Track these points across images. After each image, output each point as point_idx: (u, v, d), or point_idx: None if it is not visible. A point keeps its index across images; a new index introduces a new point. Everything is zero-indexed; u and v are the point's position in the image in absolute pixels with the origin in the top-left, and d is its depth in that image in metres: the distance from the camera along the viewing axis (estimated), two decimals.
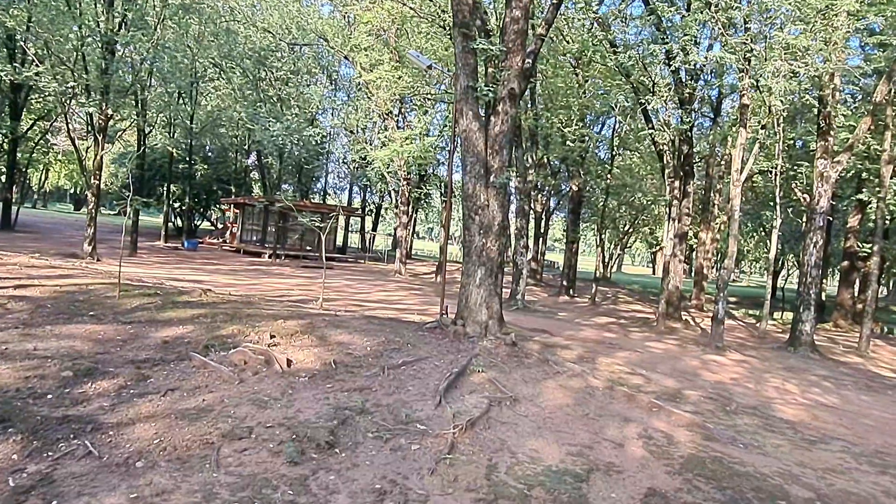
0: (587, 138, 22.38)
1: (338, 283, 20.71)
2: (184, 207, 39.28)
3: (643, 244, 64.27)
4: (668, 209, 17.04)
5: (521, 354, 8.06)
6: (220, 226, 43.83)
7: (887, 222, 21.59)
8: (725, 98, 24.67)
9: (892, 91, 15.55)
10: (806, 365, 12.47)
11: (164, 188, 35.60)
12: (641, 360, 10.67)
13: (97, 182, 19.05)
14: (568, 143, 22.42)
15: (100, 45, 17.68)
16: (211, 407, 5.13)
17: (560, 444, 5.29)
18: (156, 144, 35.82)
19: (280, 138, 29.10)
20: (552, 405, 6.39)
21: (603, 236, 30.60)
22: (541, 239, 32.67)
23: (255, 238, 36.56)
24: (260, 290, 14.81)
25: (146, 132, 27.87)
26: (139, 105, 23.24)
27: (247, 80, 31.50)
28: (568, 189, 28.48)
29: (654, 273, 59.66)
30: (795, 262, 34.43)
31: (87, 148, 21.06)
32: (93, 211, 18.64)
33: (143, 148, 26.73)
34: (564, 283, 26.58)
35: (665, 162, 16.94)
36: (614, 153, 24.09)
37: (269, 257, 30.83)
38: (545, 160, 29.77)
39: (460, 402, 6.02)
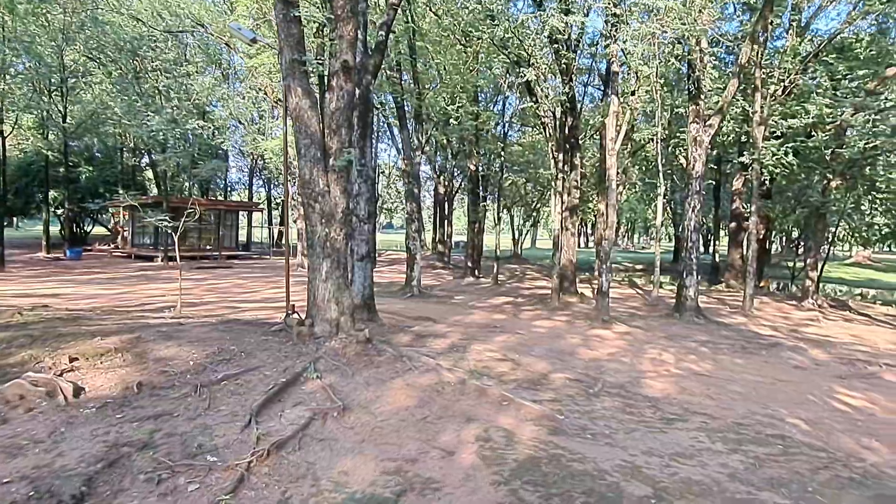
0: (479, 116, 21.84)
1: (227, 284, 19.47)
2: (69, 213, 36.14)
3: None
4: (553, 183, 16.75)
5: (374, 352, 7.33)
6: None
7: (767, 183, 22.40)
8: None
9: (759, 52, 15.83)
10: (689, 331, 12.46)
11: (44, 194, 32.59)
12: (521, 342, 10.22)
13: None
14: (461, 122, 21.90)
15: None
16: None
17: (379, 461, 4.59)
18: (25, 147, 32.70)
19: (161, 133, 27.11)
20: (389, 410, 5.70)
21: (503, 214, 30.30)
22: (445, 221, 32.18)
23: (147, 241, 34.32)
24: (127, 300, 13.47)
25: (2, 133, 25.18)
26: None
27: (123, 73, 29.07)
28: (466, 169, 28.02)
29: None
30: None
31: None
32: None
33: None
34: (469, 264, 26.21)
35: (548, 135, 16.61)
36: (507, 130, 23.69)
37: (162, 260, 28.90)
38: (446, 141, 29.21)
39: (276, 420, 5.23)
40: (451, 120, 20.71)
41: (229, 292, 16.78)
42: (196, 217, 11.66)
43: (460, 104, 20.07)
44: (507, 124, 23.57)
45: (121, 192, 37.15)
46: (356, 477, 4.32)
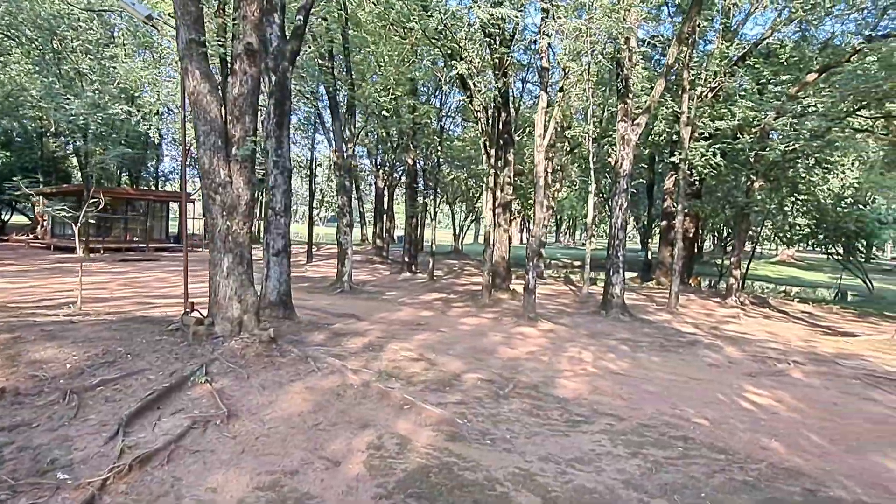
0: (417, 110, 21.50)
1: (148, 278, 18.53)
2: None
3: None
4: (485, 179, 16.62)
5: (277, 354, 6.94)
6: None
7: (697, 183, 22.97)
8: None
9: (687, 55, 16.09)
10: (613, 328, 12.52)
11: None
12: (441, 340, 9.98)
13: None
14: (399, 115, 21.54)
15: None
16: None
17: (255, 475, 4.24)
18: None
19: (82, 118, 25.61)
20: (280, 416, 5.34)
21: (442, 209, 30.15)
22: (385, 216, 31.75)
23: (69, 232, 32.48)
24: (29, 295, 12.53)
25: None
26: None
27: (42, 53, 27.30)
28: (405, 163, 27.66)
29: (509, 242, 61.03)
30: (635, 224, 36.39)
31: None
32: None
33: None
34: (406, 259, 25.91)
35: (481, 129, 16.44)
36: (444, 125, 23.45)
37: (84, 252, 27.38)
38: (386, 134, 28.74)
39: (150, 430, 4.80)
40: (384, 112, 20.32)
41: (148, 287, 15.94)
42: (101, 207, 10.90)
43: (394, 96, 19.69)
44: (444, 119, 23.26)
45: (41, 179, 35.18)
46: (225, 494, 3.96)
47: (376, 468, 4.45)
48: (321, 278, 20.48)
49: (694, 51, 18.82)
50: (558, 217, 62.14)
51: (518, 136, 24.85)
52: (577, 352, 9.81)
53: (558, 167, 27.93)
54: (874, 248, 30.71)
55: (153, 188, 42.91)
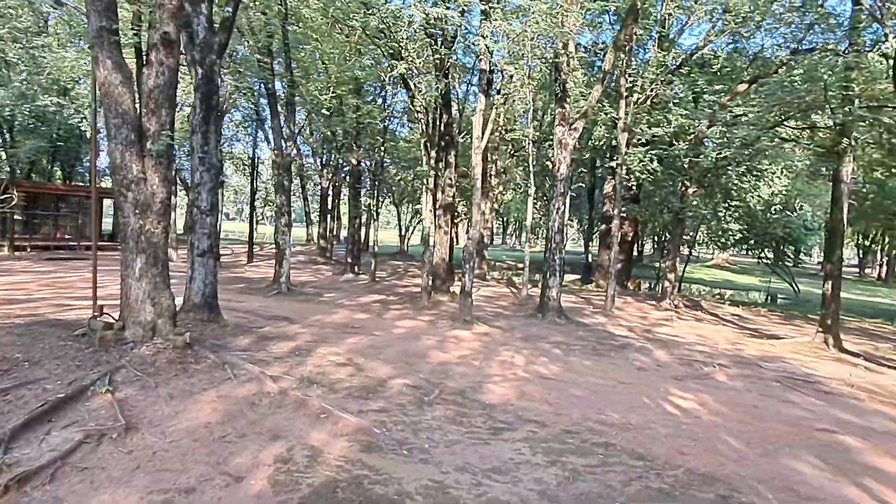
0: (360, 109, 21.18)
1: (74, 278, 17.59)
2: None
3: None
4: (425, 180, 16.50)
5: (192, 360, 6.61)
6: None
7: (635, 188, 23.46)
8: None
9: (625, 62, 16.39)
10: (547, 331, 12.58)
11: None
12: (373, 344, 9.77)
13: None
14: (343, 114, 21.19)
15: None
16: None
17: (147, 493, 3.95)
18: None
19: (7, 109, 24.23)
20: (186, 428, 5.05)
21: (386, 210, 29.89)
22: (329, 216, 31.26)
23: None
24: None
25: None
26: None
27: None
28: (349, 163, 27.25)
29: (457, 243, 61.17)
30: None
31: None
32: None
33: None
34: (349, 260, 25.56)
35: (422, 130, 16.31)
36: (387, 125, 23.20)
37: (8, 251, 25.88)
38: (331, 133, 28.25)
39: (36, 445, 4.44)
40: (324, 111, 19.96)
41: (72, 287, 15.12)
42: (12, 203, 10.23)
43: (336, 94, 19.35)
44: (389, 119, 23.03)
45: None
46: None
47: (281, 484, 4.24)
48: (260, 279, 19.92)
49: (632, 59, 19.24)
50: (504, 219, 62.62)
51: (462, 138, 24.88)
52: (509, 356, 9.78)
53: (502, 170, 28.13)
54: (801, 254, 32.07)
55: (88, 184, 41.00)
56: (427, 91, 15.00)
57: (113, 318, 7.20)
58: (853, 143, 12.85)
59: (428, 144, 15.93)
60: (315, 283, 21.11)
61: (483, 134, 12.62)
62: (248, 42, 17.66)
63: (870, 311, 24.36)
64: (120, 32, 6.72)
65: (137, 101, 6.80)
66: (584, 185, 27.83)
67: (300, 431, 5.24)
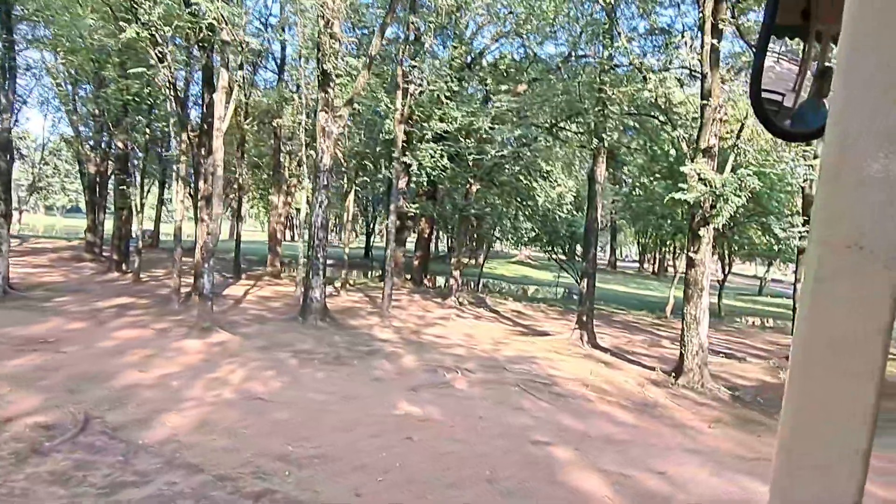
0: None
1: None
2: None
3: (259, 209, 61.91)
4: (175, 166, 14.53)
5: None
6: None
7: (426, 184, 23.23)
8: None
9: (403, 50, 15.82)
10: (299, 337, 11.41)
11: None
12: (48, 364, 7.89)
13: None
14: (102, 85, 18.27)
15: None
16: None
17: None
18: None
19: None
20: None
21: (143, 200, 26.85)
22: (97, 207, 27.28)
23: None
24: None
25: None
26: None
27: None
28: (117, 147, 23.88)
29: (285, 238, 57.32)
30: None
31: None
32: None
33: None
34: (114, 256, 22.38)
35: (170, 109, 14.25)
36: (151, 102, 20.46)
37: None
38: (98, 111, 24.55)
39: None
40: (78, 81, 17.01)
41: None
42: None
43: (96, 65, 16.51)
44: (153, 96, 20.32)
45: None
46: None
47: None
48: None
49: (423, 53, 18.78)
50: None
51: (249, 124, 22.93)
52: (229, 370, 8.47)
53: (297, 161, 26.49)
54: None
55: None
56: (169, 62, 12.91)
57: None
58: (604, 143, 13.31)
59: (178, 127, 13.92)
60: (60, 283, 17.94)
61: (226, 115, 11.09)
62: None
63: (636, 304, 26.54)
64: None
65: None
66: (379, 181, 27.18)
67: None
